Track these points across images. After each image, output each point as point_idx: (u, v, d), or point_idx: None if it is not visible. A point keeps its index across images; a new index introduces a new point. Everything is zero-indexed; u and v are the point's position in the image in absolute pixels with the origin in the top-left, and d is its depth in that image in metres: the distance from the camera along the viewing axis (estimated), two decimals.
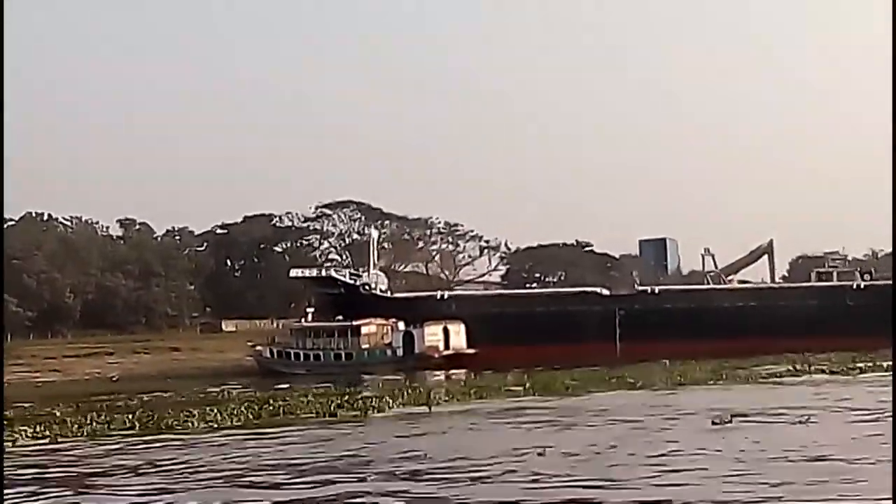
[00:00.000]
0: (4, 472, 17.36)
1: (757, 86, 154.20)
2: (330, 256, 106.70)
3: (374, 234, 78.05)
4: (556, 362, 53.04)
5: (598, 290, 73.38)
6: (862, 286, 70.42)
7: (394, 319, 66.55)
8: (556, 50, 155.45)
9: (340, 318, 67.13)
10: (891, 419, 19.23)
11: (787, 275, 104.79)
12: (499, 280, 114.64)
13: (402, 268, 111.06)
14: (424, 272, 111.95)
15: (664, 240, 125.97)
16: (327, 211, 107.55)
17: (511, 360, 54.88)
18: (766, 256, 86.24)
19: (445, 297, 70.78)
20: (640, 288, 72.40)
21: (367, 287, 69.98)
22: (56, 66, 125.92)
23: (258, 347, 68.87)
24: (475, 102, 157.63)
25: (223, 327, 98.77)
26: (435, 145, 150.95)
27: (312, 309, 69.19)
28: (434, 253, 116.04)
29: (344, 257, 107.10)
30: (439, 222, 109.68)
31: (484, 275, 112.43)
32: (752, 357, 52.41)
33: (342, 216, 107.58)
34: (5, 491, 15.65)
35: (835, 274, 74.62)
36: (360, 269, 73.56)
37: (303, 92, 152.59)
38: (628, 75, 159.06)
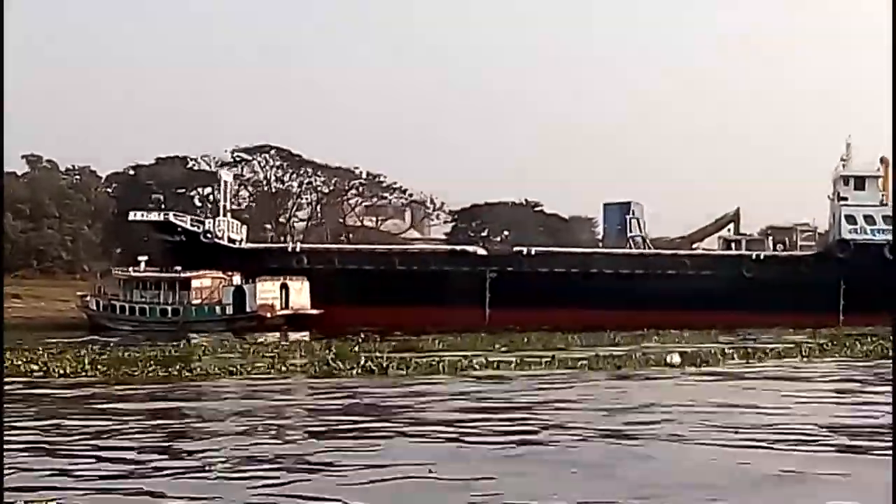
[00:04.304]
0: None
1: (730, 52, 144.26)
2: (245, 205, 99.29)
3: (228, 177, 70.66)
4: (416, 326, 47.77)
5: (470, 248, 66.04)
6: (761, 257, 62.70)
7: (232, 273, 60.18)
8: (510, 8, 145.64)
9: (179, 268, 60.73)
10: None
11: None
12: (443, 237, 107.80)
13: (355, 222, 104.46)
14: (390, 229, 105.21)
15: (628, 203, 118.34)
16: (245, 156, 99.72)
17: (363, 323, 49.58)
18: (731, 225, 79.54)
19: (297, 249, 63.60)
20: (516, 249, 64.74)
21: (208, 235, 62.92)
22: None
23: (87, 298, 62.56)
24: (421, 53, 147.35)
25: None
26: (376, 95, 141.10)
27: (146, 257, 62.41)
28: (404, 209, 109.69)
29: (265, 205, 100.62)
30: (361, 172, 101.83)
31: (408, 229, 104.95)
32: (623, 331, 46.83)
33: (261, 161, 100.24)
34: None
35: (743, 242, 66.95)
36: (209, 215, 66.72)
37: (226, 27, 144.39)
38: (596, 35, 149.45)
